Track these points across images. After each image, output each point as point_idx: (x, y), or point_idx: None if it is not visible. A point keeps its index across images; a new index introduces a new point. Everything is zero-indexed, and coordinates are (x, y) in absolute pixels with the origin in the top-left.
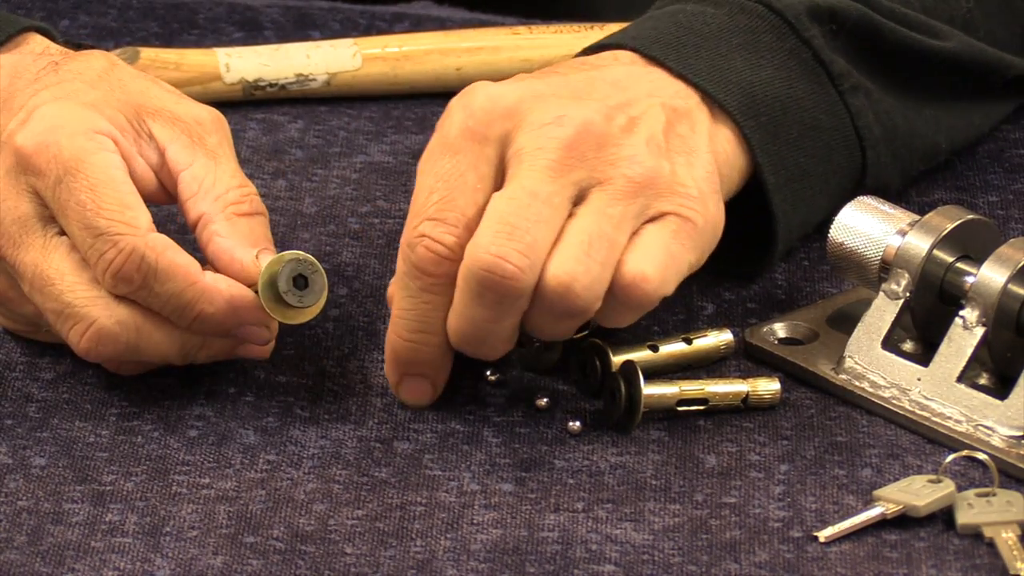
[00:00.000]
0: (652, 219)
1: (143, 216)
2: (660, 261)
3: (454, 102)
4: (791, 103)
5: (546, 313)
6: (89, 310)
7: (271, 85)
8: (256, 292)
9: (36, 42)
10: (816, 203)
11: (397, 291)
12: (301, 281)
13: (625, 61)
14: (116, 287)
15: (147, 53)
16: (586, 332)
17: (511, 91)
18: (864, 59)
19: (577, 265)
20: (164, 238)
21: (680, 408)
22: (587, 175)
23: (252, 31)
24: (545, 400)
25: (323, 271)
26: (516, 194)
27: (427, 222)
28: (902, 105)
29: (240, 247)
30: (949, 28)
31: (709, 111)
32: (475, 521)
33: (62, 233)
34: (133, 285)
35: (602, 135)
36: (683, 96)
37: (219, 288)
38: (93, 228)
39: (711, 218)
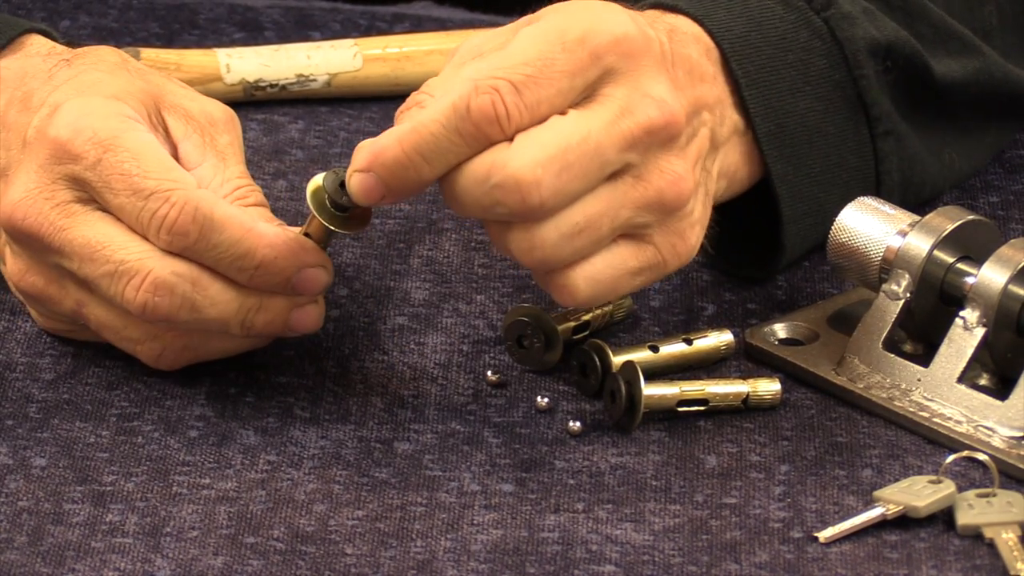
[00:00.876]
0: (638, 230)
1: (188, 176)
2: (599, 288)
3: (585, 4)
4: (820, 138)
5: (503, 245)
6: (144, 262)
7: (271, 86)
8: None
9: (39, 43)
10: (825, 231)
11: (433, 112)
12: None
13: (690, 40)
14: (173, 243)
15: (147, 54)
16: (587, 332)
17: (634, 27)
18: (906, 98)
19: (565, 245)
20: (212, 194)
21: (680, 409)
22: (639, 161)
23: (252, 31)
24: (545, 401)
25: None
26: (589, 136)
27: (507, 84)
28: (925, 147)
29: (261, 222)
30: (981, 41)
31: (741, 122)
32: (475, 522)
33: (104, 211)
34: (190, 239)
35: (673, 140)
36: (728, 107)
37: (276, 231)
38: (142, 191)
39: (682, 263)
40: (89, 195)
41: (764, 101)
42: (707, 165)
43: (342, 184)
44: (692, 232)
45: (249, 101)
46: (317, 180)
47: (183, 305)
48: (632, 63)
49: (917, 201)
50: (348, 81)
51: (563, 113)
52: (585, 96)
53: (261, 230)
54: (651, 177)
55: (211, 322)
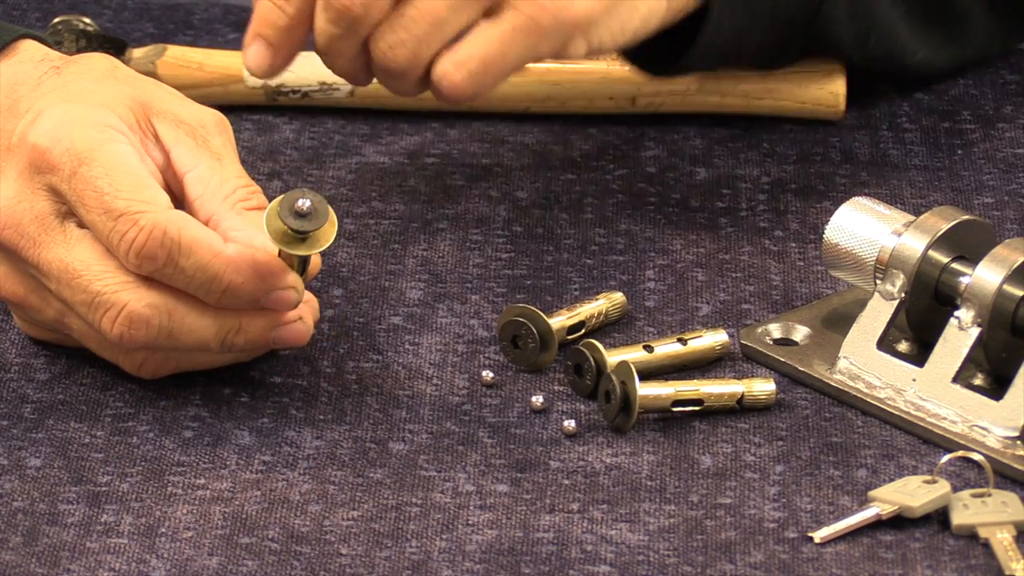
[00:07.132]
0: (490, 11)
1: (161, 196)
2: (473, 66)
3: None
4: None
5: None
6: (119, 295)
7: (294, 92)
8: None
9: (33, 49)
10: (752, 35)
11: None
12: (303, 209)
13: None
14: (141, 266)
15: (173, 51)
16: (581, 332)
17: None
18: None
19: (404, 36)
20: (183, 214)
21: (675, 409)
22: None
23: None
24: (540, 401)
25: (322, 197)
26: None
27: None
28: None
29: (258, 235)
30: None
31: None
32: (470, 522)
33: (82, 226)
34: (158, 262)
35: None
36: None
37: (243, 255)
38: (112, 211)
39: (566, 15)
40: (67, 207)
41: None
42: None
43: (298, 212)
44: None
45: (271, 106)
46: (272, 207)
47: (160, 335)
48: None
49: (871, 24)
50: (372, 92)
51: None
52: None
53: (229, 255)
54: None
55: (190, 346)
